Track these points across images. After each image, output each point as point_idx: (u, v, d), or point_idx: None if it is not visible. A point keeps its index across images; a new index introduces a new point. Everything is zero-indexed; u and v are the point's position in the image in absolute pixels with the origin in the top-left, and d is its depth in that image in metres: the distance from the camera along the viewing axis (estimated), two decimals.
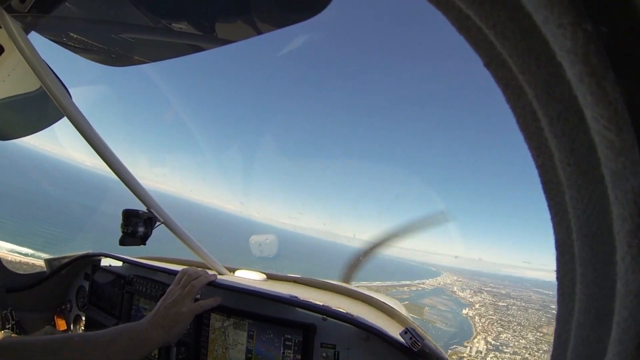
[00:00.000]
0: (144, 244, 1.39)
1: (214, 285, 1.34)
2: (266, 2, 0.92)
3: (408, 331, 1.09)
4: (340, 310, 1.26)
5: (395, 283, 44.71)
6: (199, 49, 1.20)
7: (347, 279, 2.28)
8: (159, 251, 1.98)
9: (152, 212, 1.41)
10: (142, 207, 1.42)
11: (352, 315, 1.22)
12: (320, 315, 1.24)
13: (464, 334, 33.94)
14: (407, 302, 39.40)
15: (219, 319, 1.34)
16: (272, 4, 0.93)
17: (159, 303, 1.16)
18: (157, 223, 1.43)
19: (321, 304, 1.28)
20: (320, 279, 1.91)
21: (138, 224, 1.35)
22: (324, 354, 1.21)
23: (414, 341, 1.06)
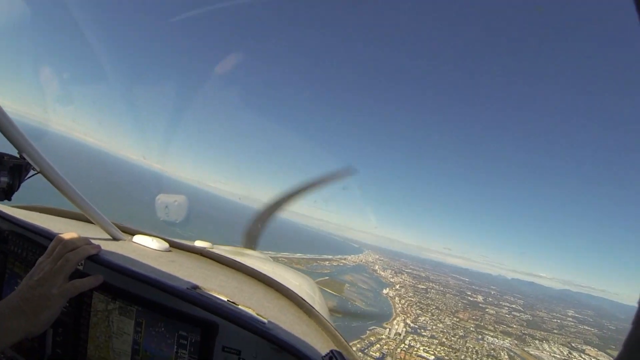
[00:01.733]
0: (8, 199, 1.09)
1: (95, 261, 1.05)
2: None
3: (334, 356, 0.95)
4: (250, 312, 1.03)
5: (317, 256, 43.37)
6: None
7: (250, 244, 2.31)
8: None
9: (24, 158, 1.08)
10: (13, 151, 1.08)
11: (264, 323, 1.00)
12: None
13: (384, 314, 33.22)
14: (327, 278, 37.90)
15: (103, 300, 1.07)
16: None
17: (24, 280, 0.90)
18: (32, 172, 1.12)
19: (226, 299, 1.05)
20: (232, 249, 1.95)
21: (0, 173, 1.05)
22: None
23: None
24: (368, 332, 27.43)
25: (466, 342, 31.13)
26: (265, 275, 1.49)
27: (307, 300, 1.42)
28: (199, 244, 1.89)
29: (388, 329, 29.84)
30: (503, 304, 43.86)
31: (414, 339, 29.44)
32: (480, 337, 32.39)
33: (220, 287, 1.17)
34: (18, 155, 1.07)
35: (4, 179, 1.04)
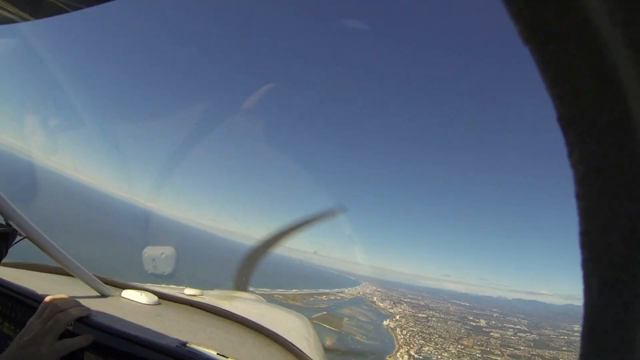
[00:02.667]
0: None
1: (85, 323, 1.06)
2: None
3: None
4: None
5: (313, 291, 41.86)
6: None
7: (241, 286, 2.35)
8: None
9: (10, 225, 1.15)
10: None
11: None
12: None
13: (386, 347, 31.87)
14: (325, 312, 36.48)
15: (94, 359, 1.07)
16: None
17: (14, 341, 0.94)
18: (18, 237, 1.19)
19: (215, 352, 1.08)
20: (221, 294, 2.00)
21: None
22: None
23: None
24: None
25: None
26: (253, 322, 1.51)
27: (300, 342, 1.45)
28: (188, 291, 1.93)
29: None
30: (507, 325, 42.71)
31: None
32: None
33: (210, 340, 1.20)
34: (4, 222, 1.12)
35: None
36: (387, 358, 29.47)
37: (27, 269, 1.58)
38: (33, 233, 1.19)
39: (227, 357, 1.06)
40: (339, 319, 37.72)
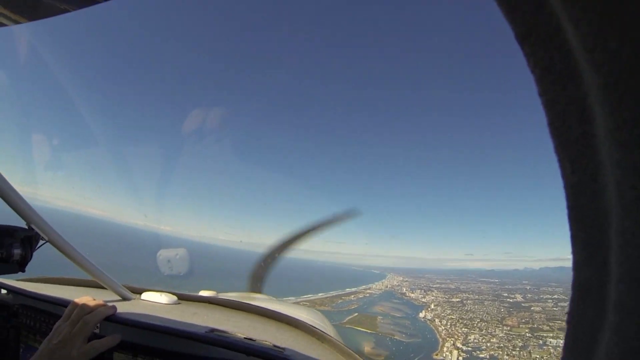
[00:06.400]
0: (23, 271, 1.12)
1: (113, 321, 1.11)
2: None
3: None
4: (267, 344, 1.09)
5: (340, 292, 39.91)
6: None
7: (255, 287, 2.38)
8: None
9: (33, 229, 1.13)
10: (20, 223, 1.13)
11: (283, 351, 1.06)
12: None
13: (429, 343, 29.72)
14: (356, 314, 34.41)
15: (124, 359, 1.10)
16: None
17: (42, 344, 0.95)
18: (41, 242, 1.17)
19: (243, 336, 1.11)
20: (236, 294, 2.00)
21: (13, 246, 1.07)
22: None
23: None
24: None
25: (530, 353, 27.80)
26: (274, 311, 1.53)
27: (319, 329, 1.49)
28: (203, 293, 1.84)
29: None
30: (544, 297, 40.79)
31: None
32: (541, 342, 29.14)
33: (235, 328, 1.23)
34: (27, 227, 1.10)
35: (17, 251, 1.05)
36: (434, 356, 27.24)
37: (46, 283, 1.55)
38: (55, 237, 1.18)
39: (254, 340, 1.07)
40: (372, 318, 35.62)
